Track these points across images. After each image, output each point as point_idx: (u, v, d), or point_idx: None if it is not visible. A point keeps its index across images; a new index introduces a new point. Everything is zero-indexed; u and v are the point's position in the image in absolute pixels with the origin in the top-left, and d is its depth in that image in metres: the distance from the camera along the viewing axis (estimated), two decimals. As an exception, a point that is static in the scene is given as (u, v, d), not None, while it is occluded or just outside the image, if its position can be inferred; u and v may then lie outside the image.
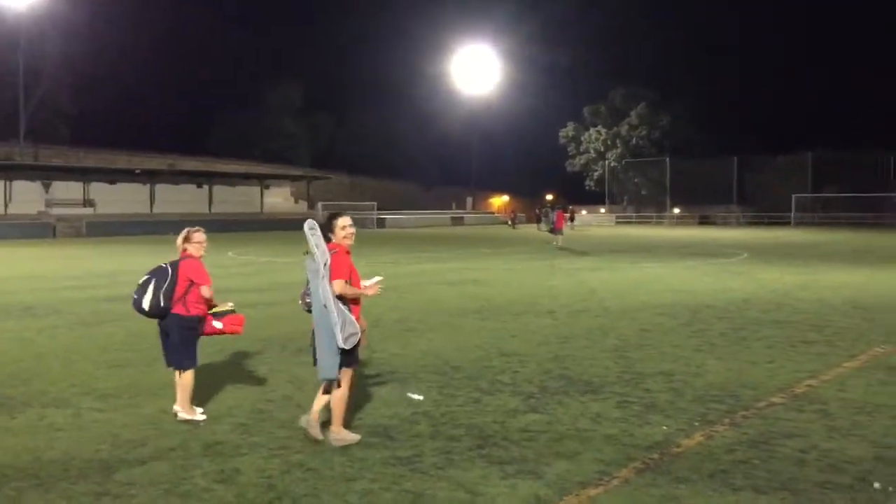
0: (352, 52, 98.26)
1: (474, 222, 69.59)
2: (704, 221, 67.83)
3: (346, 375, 5.73)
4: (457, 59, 75.05)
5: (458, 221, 68.91)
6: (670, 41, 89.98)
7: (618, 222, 70.92)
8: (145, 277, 6.35)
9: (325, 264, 5.51)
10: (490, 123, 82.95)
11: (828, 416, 6.32)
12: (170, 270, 6.31)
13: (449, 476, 5.03)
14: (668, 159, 72.55)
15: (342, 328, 5.48)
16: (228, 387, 7.41)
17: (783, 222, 62.28)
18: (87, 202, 50.55)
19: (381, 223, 61.57)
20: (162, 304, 6.25)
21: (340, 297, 5.56)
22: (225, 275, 18.67)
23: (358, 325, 5.62)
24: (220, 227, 47.98)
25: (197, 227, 6.58)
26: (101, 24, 65.74)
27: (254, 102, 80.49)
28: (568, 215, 54.68)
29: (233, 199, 57.59)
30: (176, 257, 6.55)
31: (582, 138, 79.49)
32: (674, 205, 73.14)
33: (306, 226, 5.67)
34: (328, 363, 5.57)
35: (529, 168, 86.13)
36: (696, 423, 6.14)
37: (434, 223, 65.65)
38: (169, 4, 77.84)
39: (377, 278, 6.01)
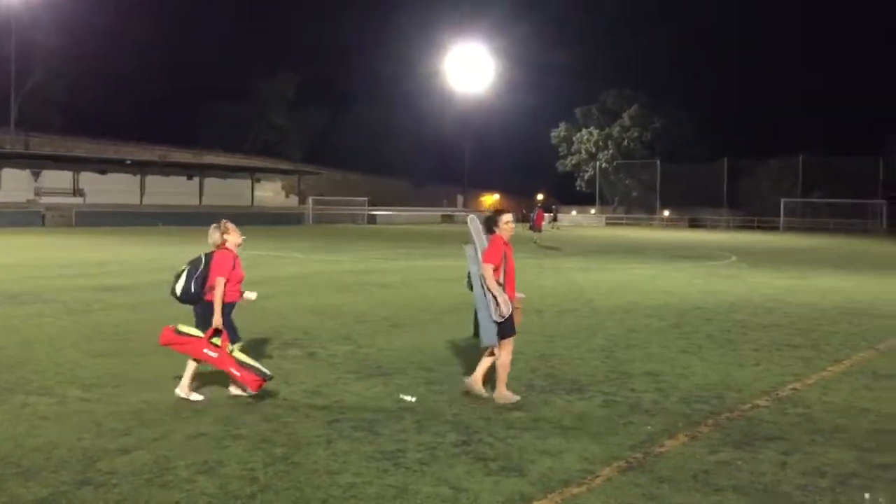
0: (346, 46, 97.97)
1: (465, 220, 69.52)
2: (694, 224, 68.06)
3: (507, 345, 6.73)
4: (451, 57, 74.98)
5: (448, 219, 68.92)
6: (663, 44, 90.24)
7: (608, 223, 71.06)
8: (183, 266, 6.79)
9: (481, 251, 6.64)
10: (483, 122, 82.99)
11: (811, 420, 6.35)
12: (203, 260, 6.74)
13: (433, 472, 5.03)
14: (658, 161, 72.77)
15: (497, 305, 6.50)
16: (213, 379, 7.37)
17: (772, 226, 62.55)
18: (77, 192, 50.34)
19: (371, 219, 61.52)
20: (192, 290, 6.69)
21: (498, 280, 6.60)
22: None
23: (511, 304, 6.57)
24: (210, 220, 47.42)
25: (224, 220, 7.03)
26: (94, 13, 65.38)
27: (246, 95, 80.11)
28: (551, 215, 55.07)
29: (223, 192, 57.38)
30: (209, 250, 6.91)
31: (574, 139, 79.68)
32: (664, 207, 73.36)
33: (469, 220, 7.05)
34: (488, 333, 6.62)
35: (521, 167, 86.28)
36: (681, 424, 6.16)
37: (425, 220, 65.66)
38: (163, -5, 77.55)
39: (521, 295, 7.03)
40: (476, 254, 6.73)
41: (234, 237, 6.88)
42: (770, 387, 7.47)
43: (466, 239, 7.02)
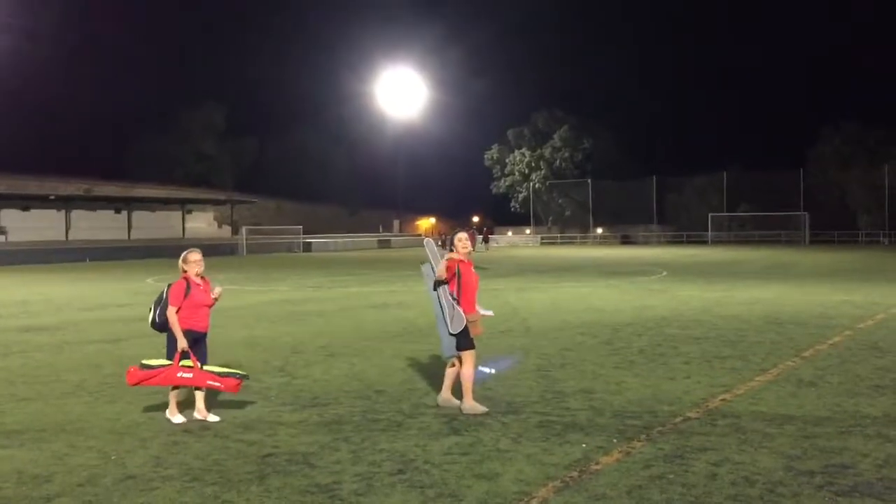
0: (276, 73, 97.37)
1: (401, 245, 69.53)
2: (626, 241, 69.37)
3: (468, 356, 7.12)
4: (382, 82, 75.21)
5: (385, 244, 68.76)
6: (591, 67, 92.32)
7: (543, 243, 71.85)
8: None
9: (436, 269, 7.10)
10: (416, 146, 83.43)
11: (740, 430, 6.48)
12: (165, 291, 7.08)
13: (369, 503, 4.97)
14: (590, 181, 74.07)
15: (451, 318, 6.98)
16: (142, 417, 7.18)
17: (701, 241, 64.16)
18: (-2, 229, 48.64)
19: (307, 247, 60.95)
20: (157, 320, 7.05)
21: (453, 294, 7.08)
22: (143, 302, 18.15)
23: (464, 317, 7.00)
24: (140, 253, 46.79)
25: (191, 249, 7.35)
26: (12, 45, 63.66)
27: (174, 125, 78.89)
28: (482, 236, 55.96)
29: (153, 225, 56.15)
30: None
31: (507, 160, 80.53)
32: (597, 225, 74.63)
33: (425, 243, 7.71)
34: (447, 345, 7.12)
35: (456, 190, 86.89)
36: (615, 440, 6.23)
37: (361, 246, 65.36)
38: (84, 25, 76.06)
39: (490, 313, 7.71)
40: (432, 272, 7.18)
41: (191, 267, 7.14)
42: (700, 399, 7.62)
43: (421, 261, 7.55)
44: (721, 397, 7.67)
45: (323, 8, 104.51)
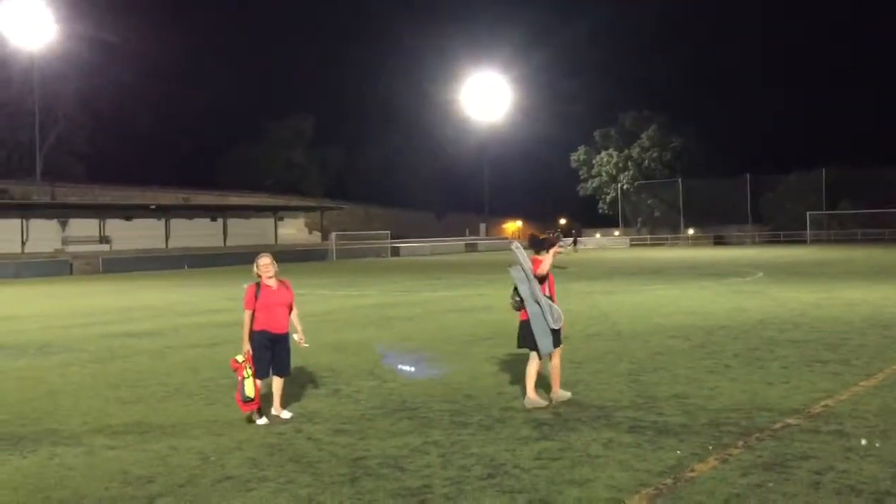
0: (361, 81, 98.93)
1: (488, 248, 69.51)
2: (719, 242, 67.49)
3: (558, 352, 7.56)
4: (467, 86, 75.35)
5: (472, 248, 68.85)
6: (679, 64, 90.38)
7: (632, 245, 70.62)
8: None
9: (529, 270, 7.35)
10: (501, 149, 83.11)
11: (844, 437, 6.22)
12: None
13: (459, 506, 4.97)
14: (680, 180, 72.44)
15: (551, 314, 7.29)
16: (240, 419, 7.38)
17: (799, 240, 61.88)
18: (104, 239, 51.00)
19: (395, 252, 61.64)
20: None
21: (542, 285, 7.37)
22: (239, 308, 18.70)
23: (560, 311, 7.33)
24: (235, 259, 48.19)
25: (261, 254, 7.59)
26: (114, 62, 66.69)
27: (265, 135, 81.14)
28: (571, 240, 55.71)
29: (247, 232, 57.87)
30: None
31: (594, 162, 79.54)
32: (688, 226, 72.86)
33: (512, 245, 7.82)
34: (545, 343, 7.34)
35: (542, 193, 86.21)
36: (710, 447, 6.06)
37: (448, 251, 65.65)
38: (179, 40, 79.03)
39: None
40: (524, 274, 7.39)
41: (261, 270, 7.41)
42: (801, 404, 7.34)
43: (509, 263, 7.78)
44: (823, 403, 7.37)
45: (408, 16, 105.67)
